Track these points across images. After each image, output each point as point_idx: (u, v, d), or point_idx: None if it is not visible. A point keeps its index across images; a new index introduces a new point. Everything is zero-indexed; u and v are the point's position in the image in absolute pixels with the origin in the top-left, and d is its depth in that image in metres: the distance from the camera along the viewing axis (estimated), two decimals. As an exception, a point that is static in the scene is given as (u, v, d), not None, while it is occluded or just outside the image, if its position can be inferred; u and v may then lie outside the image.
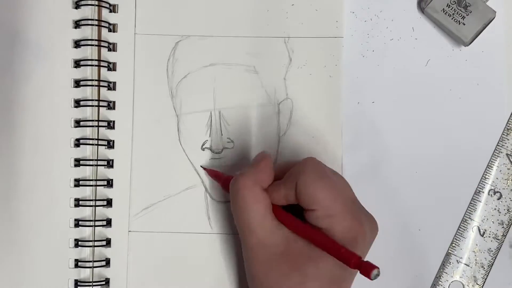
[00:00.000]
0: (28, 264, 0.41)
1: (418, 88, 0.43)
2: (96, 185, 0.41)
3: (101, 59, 0.42)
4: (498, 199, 0.42)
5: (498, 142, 0.42)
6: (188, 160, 0.42)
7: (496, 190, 0.42)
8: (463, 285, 0.42)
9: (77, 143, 0.41)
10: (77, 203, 0.41)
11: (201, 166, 0.42)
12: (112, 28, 0.43)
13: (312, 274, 0.33)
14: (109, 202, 0.42)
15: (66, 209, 0.41)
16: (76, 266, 0.41)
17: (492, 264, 0.42)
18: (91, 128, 0.42)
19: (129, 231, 0.41)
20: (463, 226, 0.42)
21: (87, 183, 0.41)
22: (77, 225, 0.41)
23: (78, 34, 0.42)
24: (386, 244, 0.39)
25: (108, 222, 0.41)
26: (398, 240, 0.42)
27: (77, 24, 0.42)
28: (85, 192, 0.41)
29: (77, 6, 0.42)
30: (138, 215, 0.42)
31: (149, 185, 0.42)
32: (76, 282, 0.41)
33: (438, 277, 0.42)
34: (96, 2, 0.42)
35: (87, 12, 0.42)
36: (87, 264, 0.41)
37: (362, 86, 0.43)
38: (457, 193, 0.42)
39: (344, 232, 0.33)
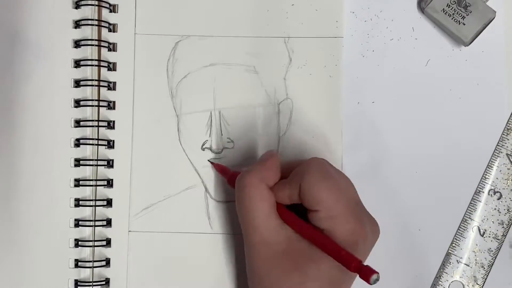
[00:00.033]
0: (28, 264, 0.41)
1: (418, 88, 0.43)
2: (96, 185, 0.41)
3: (101, 59, 0.42)
4: (498, 199, 0.42)
5: (498, 142, 0.42)
6: (188, 160, 0.42)
7: (496, 190, 0.42)
8: (463, 285, 0.42)
9: (77, 143, 0.41)
10: (77, 203, 0.41)
11: (208, 161, 0.42)
12: (112, 28, 0.43)
13: (313, 274, 0.33)
14: (109, 202, 0.42)
15: (66, 209, 0.41)
16: (76, 266, 0.41)
17: (492, 264, 0.42)
18: (91, 128, 0.42)
19: (129, 231, 0.41)
20: (463, 226, 0.42)
21: (87, 183, 0.41)
22: (77, 225, 0.41)
23: (78, 34, 0.42)
24: (386, 244, 0.39)
25: (108, 222, 0.41)
26: (398, 240, 0.42)
27: (77, 24, 0.42)
28: (85, 192, 0.41)
29: (77, 6, 0.42)
30: (138, 215, 0.42)
31: (149, 185, 0.42)
32: (76, 282, 0.41)
33: (438, 277, 0.42)
34: (96, 2, 0.42)
35: (87, 12, 0.42)
36: (87, 264, 0.41)
37: (362, 86, 0.43)
38: (457, 193, 0.42)
39: (346, 235, 0.33)
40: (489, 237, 0.42)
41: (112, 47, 0.42)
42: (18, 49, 0.42)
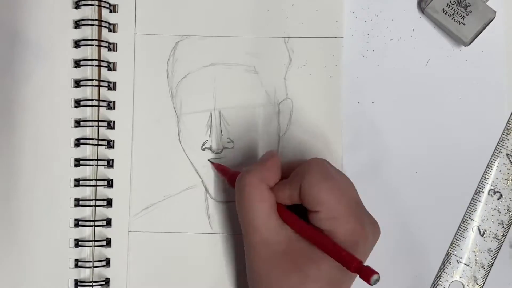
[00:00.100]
0: (28, 264, 0.41)
1: (418, 88, 0.43)
2: (96, 185, 0.41)
3: (101, 59, 0.42)
4: (498, 199, 0.42)
5: (498, 142, 0.42)
6: (188, 160, 0.42)
7: (496, 190, 0.42)
8: (463, 285, 0.42)
9: (77, 143, 0.41)
10: (77, 203, 0.41)
11: (208, 160, 0.42)
12: (112, 28, 0.43)
13: (313, 275, 0.33)
14: (109, 202, 0.42)
15: (66, 209, 0.41)
16: (76, 266, 0.41)
17: (492, 264, 0.42)
18: (91, 128, 0.42)
19: (129, 231, 0.41)
20: (463, 226, 0.42)
21: (87, 183, 0.41)
22: (77, 225, 0.41)
23: (78, 34, 0.42)
24: (386, 244, 0.39)
25: (108, 222, 0.41)
26: (398, 240, 0.42)
27: (77, 24, 0.42)
28: (85, 192, 0.41)
29: (77, 6, 0.42)
30: (138, 215, 0.42)
31: (149, 185, 0.42)
32: (76, 282, 0.41)
33: (438, 277, 0.42)
34: (96, 2, 0.42)
35: (87, 12, 0.42)
36: (87, 264, 0.41)
37: (362, 86, 0.43)
38: (457, 193, 0.42)
39: (346, 235, 0.33)
40: (489, 237, 0.42)
41: (112, 47, 0.42)
42: (18, 49, 0.42)
